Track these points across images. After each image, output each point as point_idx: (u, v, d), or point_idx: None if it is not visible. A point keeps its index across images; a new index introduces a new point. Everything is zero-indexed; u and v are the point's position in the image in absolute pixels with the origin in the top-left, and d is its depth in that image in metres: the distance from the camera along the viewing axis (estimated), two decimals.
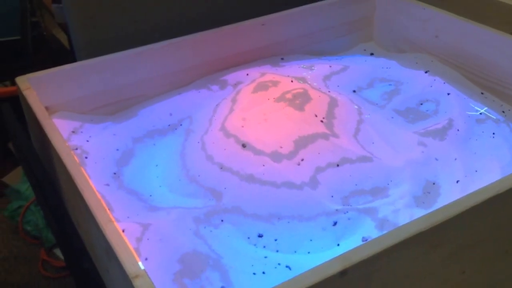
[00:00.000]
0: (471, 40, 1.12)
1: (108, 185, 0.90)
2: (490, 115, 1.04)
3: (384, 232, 0.67)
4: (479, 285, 0.83)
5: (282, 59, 1.24)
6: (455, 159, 0.94)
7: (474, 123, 1.03)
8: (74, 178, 0.75)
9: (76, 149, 0.95)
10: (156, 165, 0.97)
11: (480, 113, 1.04)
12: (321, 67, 1.18)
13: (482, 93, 1.11)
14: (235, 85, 1.11)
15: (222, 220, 0.84)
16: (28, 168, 1.03)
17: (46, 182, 0.96)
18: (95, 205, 0.70)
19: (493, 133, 1.00)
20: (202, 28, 1.15)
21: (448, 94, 1.08)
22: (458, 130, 1.00)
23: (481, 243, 0.76)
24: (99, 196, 0.72)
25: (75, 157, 0.79)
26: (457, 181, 0.90)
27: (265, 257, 0.79)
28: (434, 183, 0.91)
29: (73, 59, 1.20)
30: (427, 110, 1.06)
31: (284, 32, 1.24)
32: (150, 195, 0.89)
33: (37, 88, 0.97)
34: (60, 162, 0.80)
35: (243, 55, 1.21)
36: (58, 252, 1.89)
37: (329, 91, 1.07)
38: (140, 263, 0.62)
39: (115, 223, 0.67)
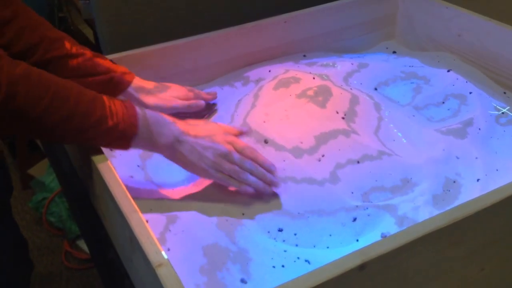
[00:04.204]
0: (494, 39, 1.12)
1: (132, 177, 0.92)
2: None
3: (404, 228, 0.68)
4: (499, 283, 0.83)
5: (304, 56, 1.24)
6: (476, 158, 0.94)
7: (495, 122, 1.02)
8: (99, 169, 0.77)
9: None
10: None
11: (502, 113, 1.04)
12: (343, 64, 1.19)
13: (504, 93, 1.10)
14: (257, 81, 1.13)
15: (243, 214, 0.85)
16: (55, 160, 1.05)
17: (72, 173, 0.98)
18: (120, 195, 0.72)
19: None
20: (225, 25, 1.16)
21: (470, 93, 1.07)
22: (479, 129, 1.00)
23: (501, 240, 0.76)
24: (124, 187, 0.74)
25: (101, 149, 0.81)
26: (478, 180, 0.90)
27: (285, 251, 0.80)
28: (454, 181, 0.91)
29: None
30: (448, 109, 1.06)
31: (306, 29, 1.24)
32: (173, 188, 0.91)
33: None
34: (86, 153, 0.81)
35: (266, 52, 1.22)
36: (81, 243, 1.92)
37: (350, 89, 1.08)
38: (163, 253, 0.63)
39: (140, 213, 0.69)
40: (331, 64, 1.19)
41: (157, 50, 1.09)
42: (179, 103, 1.01)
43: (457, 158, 0.95)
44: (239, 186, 0.84)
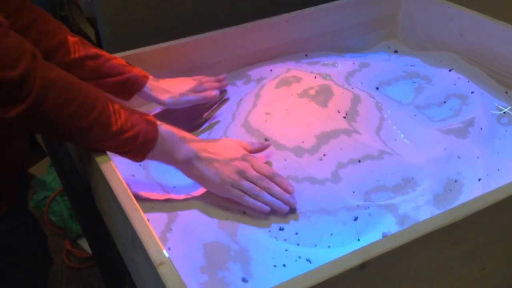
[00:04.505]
0: (496, 39, 1.12)
1: (133, 176, 0.92)
2: None
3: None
4: (499, 282, 0.83)
5: (306, 55, 1.24)
6: (478, 158, 0.94)
7: (497, 122, 1.02)
8: (101, 168, 0.77)
9: None
10: None
11: (504, 112, 1.04)
12: (344, 64, 1.19)
13: (506, 92, 1.10)
14: (259, 80, 1.13)
15: (244, 212, 0.85)
16: (56, 158, 1.05)
17: (73, 172, 0.98)
18: (122, 194, 0.72)
19: None
20: (226, 25, 1.16)
21: (472, 92, 1.07)
22: (481, 128, 1.00)
23: (502, 240, 0.76)
24: (125, 186, 0.74)
25: None
26: (479, 179, 0.90)
27: (286, 250, 0.80)
28: (456, 181, 0.91)
29: None
30: (450, 108, 1.06)
31: (308, 29, 1.24)
32: (174, 187, 0.91)
33: None
34: (87, 153, 0.82)
35: (267, 51, 1.22)
36: (82, 242, 1.92)
37: (352, 88, 1.08)
38: (164, 251, 0.63)
39: (141, 212, 0.69)
40: (332, 63, 1.19)
41: (158, 49, 1.10)
42: (194, 95, 1.03)
43: (459, 157, 0.94)
44: (254, 204, 0.84)
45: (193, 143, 0.83)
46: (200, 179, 0.84)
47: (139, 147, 0.77)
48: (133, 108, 0.80)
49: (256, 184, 0.84)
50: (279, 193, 0.84)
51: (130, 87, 0.97)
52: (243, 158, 0.85)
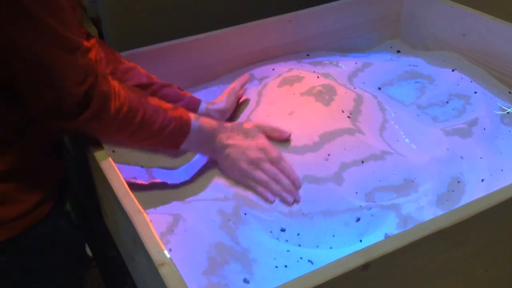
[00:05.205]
0: (499, 39, 1.11)
1: (135, 178, 0.92)
2: None
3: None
4: (503, 283, 0.83)
5: (308, 55, 1.24)
6: (481, 158, 0.94)
7: (500, 122, 1.02)
8: (103, 169, 0.77)
9: None
10: (183, 158, 0.98)
11: (507, 112, 1.04)
12: (347, 63, 1.18)
13: (510, 92, 1.10)
14: (261, 79, 1.12)
15: (245, 214, 0.85)
16: None
17: (75, 172, 0.98)
18: (124, 195, 0.72)
19: None
20: (229, 24, 1.16)
21: (475, 92, 1.07)
22: (484, 129, 0.99)
23: (505, 240, 0.76)
24: (127, 187, 0.73)
25: (104, 150, 0.81)
26: (482, 180, 0.90)
27: (288, 251, 0.80)
28: (459, 181, 0.90)
29: None
30: (453, 109, 1.06)
31: (310, 28, 1.24)
32: (176, 189, 0.91)
33: None
34: (90, 154, 0.81)
35: (270, 51, 1.21)
36: None
37: (354, 88, 1.07)
38: (166, 252, 0.63)
39: (143, 213, 0.69)
40: (334, 63, 1.19)
41: (162, 49, 1.10)
42: (233, 85, 1.07)
43: (462, 158, 0.94)
44: (262, 192, 0.88)
45: (219, 134, 0.89)
46: (222, 166, 0.92)
47: (175, 140, 0.85)
48: (165, 102, 0.86)
49: (267, 174, 0.88)
50: (285, 185, 0.88)
51: None
52: (258, 148, 0.89)
